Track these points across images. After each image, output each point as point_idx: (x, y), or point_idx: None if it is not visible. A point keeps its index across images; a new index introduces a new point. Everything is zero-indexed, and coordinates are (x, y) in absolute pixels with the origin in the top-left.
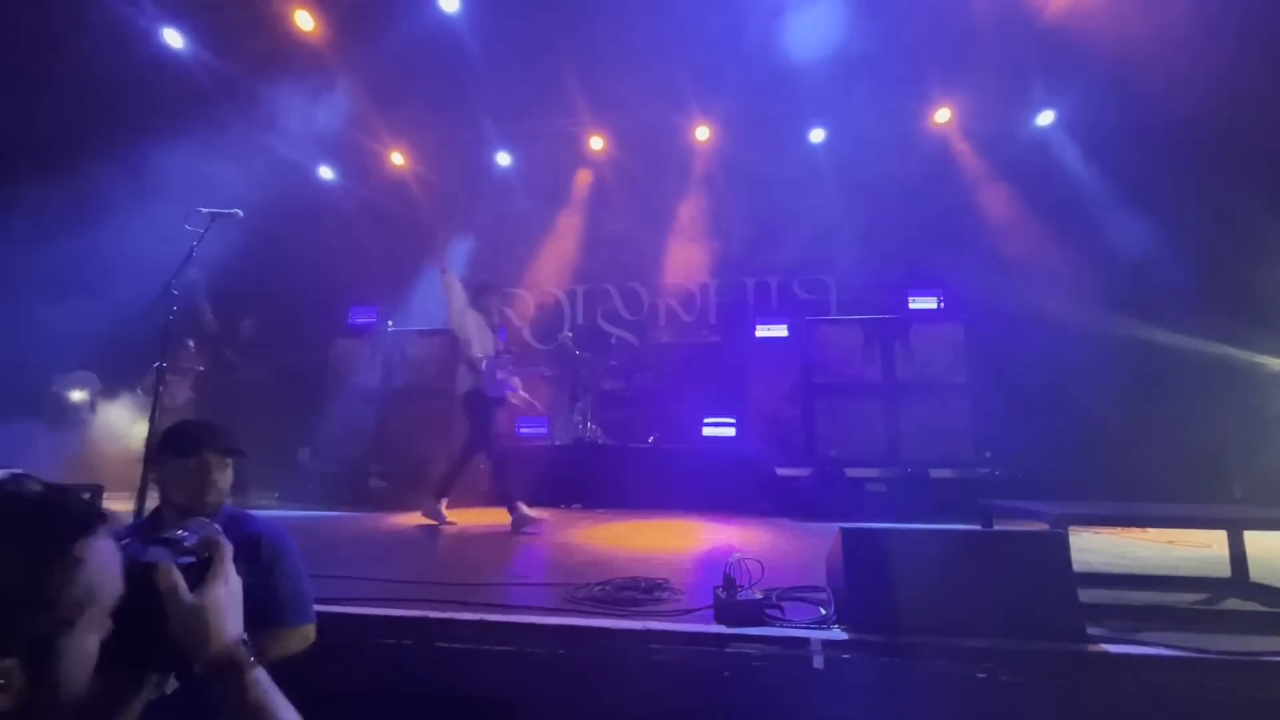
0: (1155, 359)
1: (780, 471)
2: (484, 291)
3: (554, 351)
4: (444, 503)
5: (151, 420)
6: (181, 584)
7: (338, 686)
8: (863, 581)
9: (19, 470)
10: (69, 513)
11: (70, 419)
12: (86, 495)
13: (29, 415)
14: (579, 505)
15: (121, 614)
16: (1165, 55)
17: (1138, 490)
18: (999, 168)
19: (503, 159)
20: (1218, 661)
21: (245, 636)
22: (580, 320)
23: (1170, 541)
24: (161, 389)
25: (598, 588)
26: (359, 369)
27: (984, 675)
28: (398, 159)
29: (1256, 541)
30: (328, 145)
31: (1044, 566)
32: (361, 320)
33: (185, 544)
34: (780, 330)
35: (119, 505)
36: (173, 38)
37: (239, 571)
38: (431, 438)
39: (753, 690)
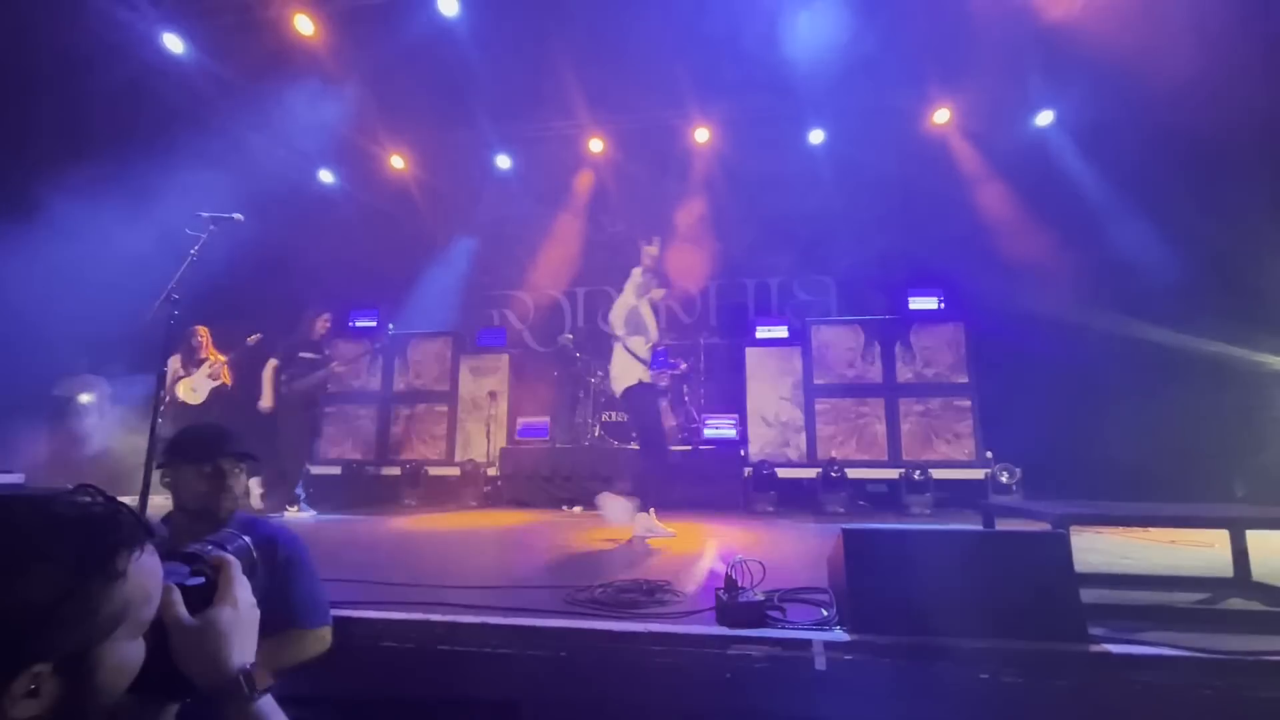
0: (1156, 359)
1: (782, 473)
2: (656, 281)
3: (554, 354)
4: (652, 512)
5: (154, 424)
6: (179, 605)
7: (341, 690)
8: (865, 582)
9: (86, 484)
10: (115, 525)
11: (75, 422)
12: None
13: (34, 418)
14: (580, 507)
15: None
16: (1164, 54)
17: (1139, 490)
18: (999, 168)
19: (503, 162)
20: (1220, 661)
21: (249, 665)
22: (580, 322)
23: (1172, 541)
24: (163, 393)
25: (599, 590)
26: (360, 372)
27: (986, 676)
28: (398, 162)
29: (1259, 541)
30: (328, 149)
31: (1046, 567)
32: (362, 323)
33: (204, 560)
34: (781, 331)
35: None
36: (173, 43)
37: (258, 576)
38: (432, 441)
39: (755, 692)
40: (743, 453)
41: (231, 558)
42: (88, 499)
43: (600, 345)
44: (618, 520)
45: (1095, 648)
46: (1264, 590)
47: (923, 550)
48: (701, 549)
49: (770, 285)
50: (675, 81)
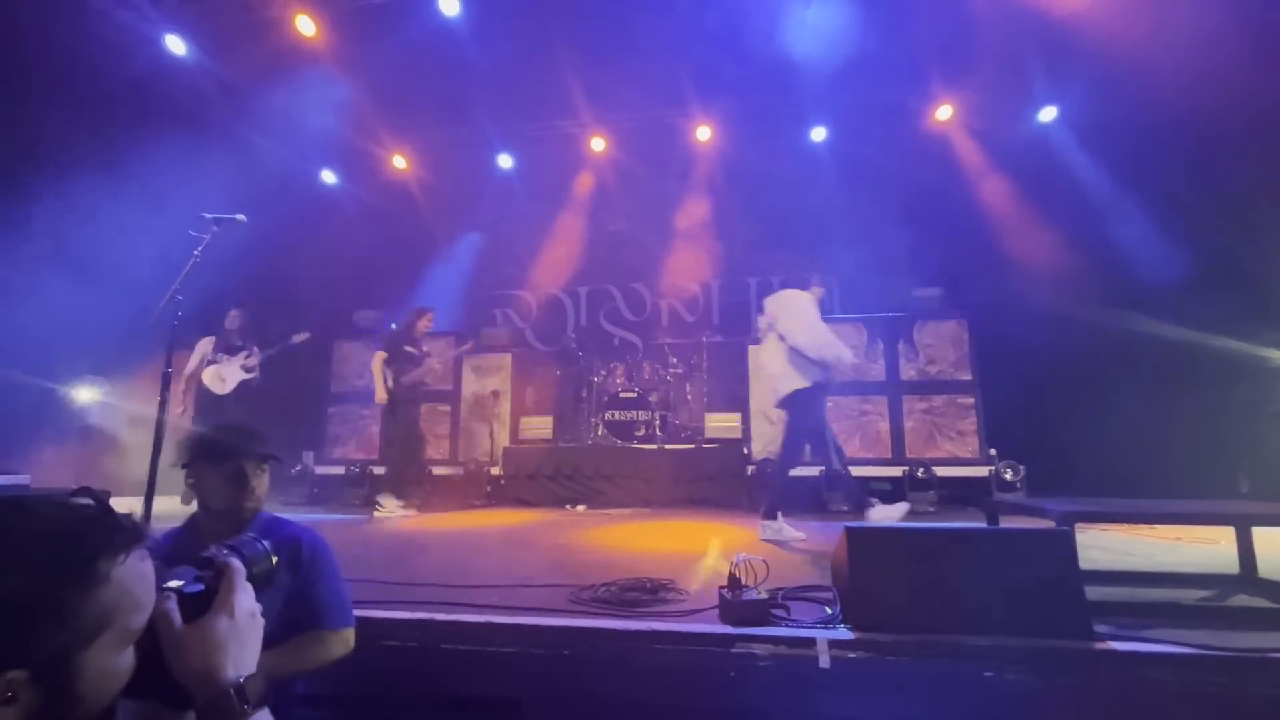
0: (1161, 355)
1: None
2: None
3: (557, 353)
4: (780, 516)
5: (159, 424)
6: (172, 612)
7: (344, 689)
8: (868, 580)
9: (85, 486)
10: (100, 529)
11: (79, 423)
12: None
13: (38, 419)
14: (583, 506)
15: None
16: (1168, 49)
17: (1144, 487)
18: (1001, 164)
19: (504, 161)
20: (1226, 658)
21: (245, 677)
22: (583, 321)
23: (1178, 538)
24: (167, 395)
25: (603, 588)
26: (363, 372)
27: (991, 674)
28: (400, 162)
29: (1265, 537)
30: (330, 149)
31: (1050, 564)
32: (365, 323)
33: (212, 565)
34: None
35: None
36: (175, 44)
37: (282, 577)
38: (435, 440)
39: (759, 690)
40: (745, 451)
41: (236, 564)
42: (79, 502)
43: (602, 344)
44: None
45: (1100, 645)
46: (1270, 587)
47: (926, 548)
48: (705, 548)
49: (773, 283)
50: (677, 79)
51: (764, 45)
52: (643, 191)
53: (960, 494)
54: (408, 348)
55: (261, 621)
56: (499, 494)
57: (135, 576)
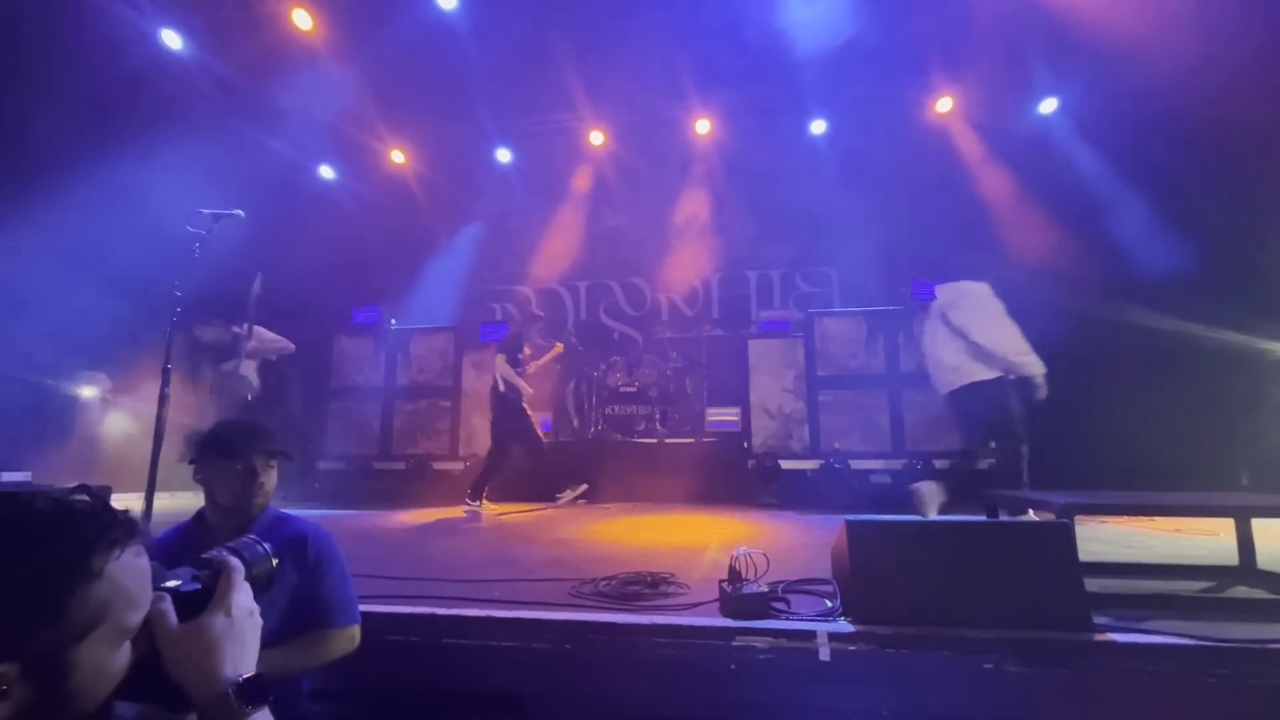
0: (1161, 347)
1: (785, 464)
2: None
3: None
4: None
5: (160, 420)
6: (168, 611)
7: (346, 683)
8: (868, 573)
9: (83, 484)
10: (94, 525)
11: (79, 419)
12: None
13: (39, 416)
14: (583, 501)
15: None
16: (1169, 39)
17: (1144, 479)
18: (1002, 156)
19: (503, 155)
20: (1224, 649)
21: (243, 678)
22: (583, 316)
23: (1177, 530)
24: (167, 390)
25: (603, 582)
26: (362, 367)
27: (990, 666)
28: (398, 157)
29: (1264, 529)
30: (328, 144)
31: (1050, 556)
32: (364, 319)
33: (208, 566)
34: (783, 324)
35: (128, 506)
36: (171, 39)
37: (287, 574)
38: (434, 435)
39: (759, 683)
40: (746, 445)
41: (235, 563)
42: (74, 498)
43: (602, 338)
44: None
45: (1100, 637)
46: (1269, 578)
47: (926, 541)
48: (705, 541)
49: (772, 277)
50: (676, 73)
51: (763, 38)
52: (642, 186)
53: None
54: (520, 354)
55: (259, 621)
56: (499, 490)
57: (130, 573)
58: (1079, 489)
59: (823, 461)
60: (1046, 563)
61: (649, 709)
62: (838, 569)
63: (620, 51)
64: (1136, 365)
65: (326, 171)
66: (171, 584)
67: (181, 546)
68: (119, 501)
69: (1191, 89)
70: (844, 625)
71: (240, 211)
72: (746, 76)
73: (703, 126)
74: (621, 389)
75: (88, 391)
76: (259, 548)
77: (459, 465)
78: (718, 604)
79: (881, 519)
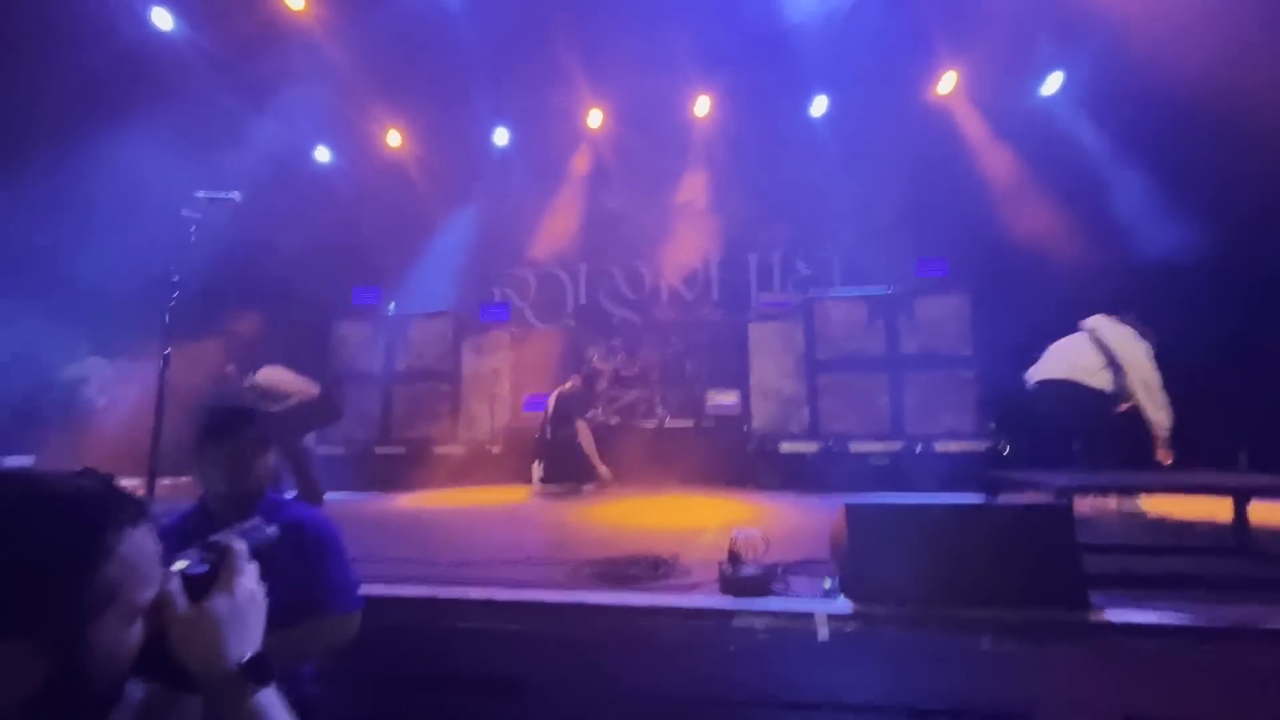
0: (1161, 328)
1: (785, 447)
2: None
3: (557, 331)
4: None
5: (160, 406)
6: (176, 594)
7: (348, 666)
8: (867, 554)
9: (89, 467)
10: (105, 504)
11: (80, 405)
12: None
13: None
14: (585, 484)
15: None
16: (1177, 16)
17: (1143, 459)
18: (1005, 136)
19: (501, 137)
20: (1220, 628)
21: (248, 658)
22: (583, 300)
23: (1175, 510)
24: (167, 375)
25: (604, 564)
26: (361, 351)
27: (988, 644)
28: (394, 138)
29: (1262, 510)
30: (323, 125)
31: (1048, 537)
32: (364, 301)
33: (216, 548)
34: (783, 307)
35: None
36: (161, 18)
37: (283, 560)
38: (434, 419)
39: (758, 662)
40: (746, 428)
41: (238, 546)
42: (86, 479)
43: (602, 322)
44: None
45: (1096, 616)
46: (1265, 559)
47: (925, 522)
48: (705, 523)
49: (772, 259)
50: (675, 52)
51: (763, 16)
52: (642, 167)
53: (960, 469)
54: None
55: (264, 602)
56: (500, 473)
57: (140, 551)
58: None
59: (822, 444)
60: (1044, 543)
61: (649, 688)
62: (836, 550)
63: (619, 30)
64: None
65: (322, 154)
66: (179, 565)
67: (184, 532)
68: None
69: (1197, 66)
70: (842, 605)
71: (236, 194)
72: (746, 56)
73: (702, 107)
74: (621, 372)
75: (88, 376)
76: (264, 531)
77: (459, 449)
78: (717, 585)
79: (880, 501)
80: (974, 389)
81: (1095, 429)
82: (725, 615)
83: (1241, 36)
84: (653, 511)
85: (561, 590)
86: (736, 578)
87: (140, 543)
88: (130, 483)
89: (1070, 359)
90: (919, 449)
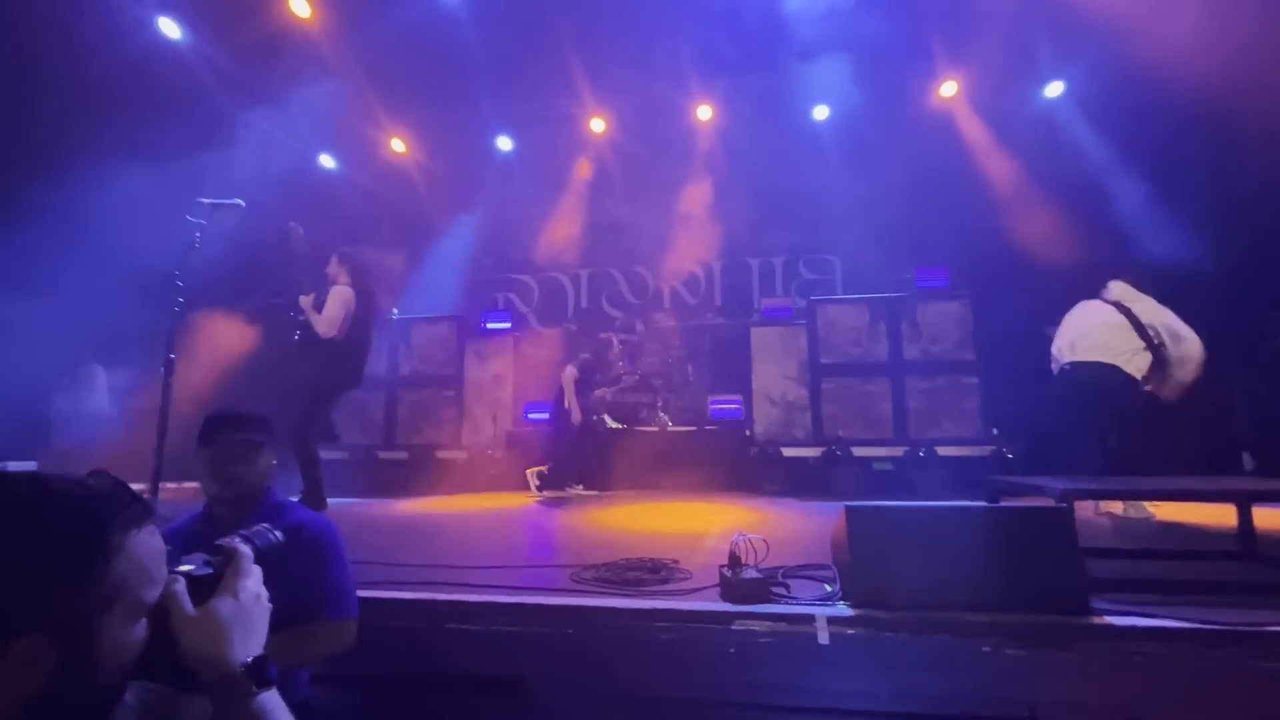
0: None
1: (787, 452)
2: None
3: (559, 336)
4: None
5: (163, 411)
6: (181, 596)
7: (350, 667)
8: (868, 558)
9: (99, 469)
10: (113, 502)
11: (83, 409)
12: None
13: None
14: (585, 488)
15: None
16: (1179, 21)
17: (1147, 465)
18: (1006, 143)
19: (504, 143)
20: (1223, 632)
21: (251, 660)
22: (585, 304)
23: (1179, 515)
24: (171, 380)
25: (605, 568)
26: None
27: (989, 649)
28: (398, 145)
29: (1266, 516)
30: (328, 133)
31: (1049, 541)
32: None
33: (223, 551)
34: (786, 311)
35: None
36: (169, 27)
37: (283, 562)
38: (438, 424)
39: (759, 666)
40: (748, 433)
41: (244, 549)
42: (94, 479)
43: (604, 327)
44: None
45: (1097, 620)
46: (1269, 563)
47: (925, 526)
48: (706, 528)
49: (775, 264)
50: (677, 59)
51: (765, 22)
52: (644, 173)
53: (962, 474)
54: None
55: (268, 606)
56: (503, 477)
57: (147, 550)
58: (1082, 475)
59: (825, 449)
60: (1046, 547)
61: (650, 691)
62: (837, 554)
63: (622, 38)
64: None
65: (327, 160)
66: (185, 568)
67: (191, 535)
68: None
69: (1200, 72)
70: (843, 609)
71: (240, 201)
72: (748, 62)
73: (704, 113)
74: (624, 377)
75: (92, 381)
76: (270, 535)
77: (462, 454)
78: (718, 589)
79: (880, 504)
80: (976, 394)
81: (1130, 420)
82: (726, 619)
83: (1243, 42)
84: (654, 516)
85: (562, 594)
86: (737, 581)
87: (147, 542)
88: (133, 488)
89: (1103, 338)
90: (922, 454)
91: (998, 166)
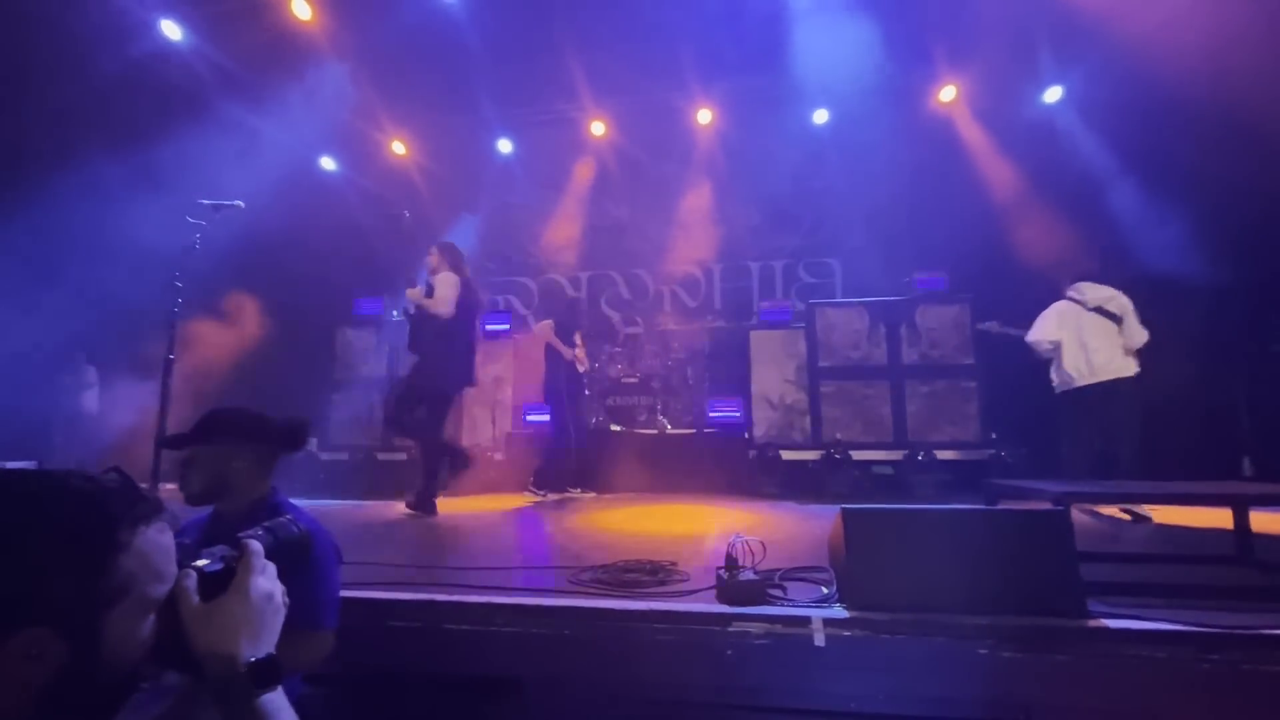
0: (1164, 337)
1: (786, 455)
2: None
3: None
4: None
5: (162, 411)
6: (190, 590)
7: (348, 668)
8: (864, 560)
9: (114, 466)
10: (124, 499)
11: (83, 409)
12: None
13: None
14: (584, 491)
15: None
16: (1176, 26)
17: (1147, 469)
18: (1006, 147)
19: (504, 146)
20: (1219, 635)
21: (256, 658)
22: (584, 306)
23: (1176, 519)
24: (170, 380)
25: (602, 570)
26: (365, 358)
27: (985, 651)
28: (399, 148)
29: (1265, 520)
30: (329, 135)
31: (1046, 544)
32: (367, 310)
33: (234, 547)
34: (785, 314)
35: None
36: (170, 29)
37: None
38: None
39: (755, 668)
40: (747, 435)
41: (255, 546)
42: (105, 476)
43: (603, 329)
44: None
45: (1094, 623)
46: (1266, 568)
47: (922, 528)
48: (705, 530)
49: (774, 268)
50: (677, 62)
51: (765, 26)
52: (644, 176)
53: (961, 478)
54: (573, 335)
55: (280, 604)
56: (502, 480)
57: (155, 547)
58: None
59: (824, 452)
60: (1043, 550)
61: (646, 693)
62: (834, 556)
63: (622, 40)
64: (1139, 355)
65: (328, 163)
66: (201, 563)
67: (205, 531)
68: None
69: (1199, 77)
70: (839, 611)
71: (240, 202)
72: (748, 65)
73: (704, 116)
74: (623, 380)
75: (91, 382)
76: (293, 528)
77: None
78: (715, 591)
79: (877, 507)
80: (975, 398)
81: (1135, 425)
82: (722, 621)
83: (1245, 47)
84: (652, 518)
85: (560, 595)
86: (734, 583)
87: (155, 539)
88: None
89: (1111, 352)
90: (921, 457)
91: (997, 171)
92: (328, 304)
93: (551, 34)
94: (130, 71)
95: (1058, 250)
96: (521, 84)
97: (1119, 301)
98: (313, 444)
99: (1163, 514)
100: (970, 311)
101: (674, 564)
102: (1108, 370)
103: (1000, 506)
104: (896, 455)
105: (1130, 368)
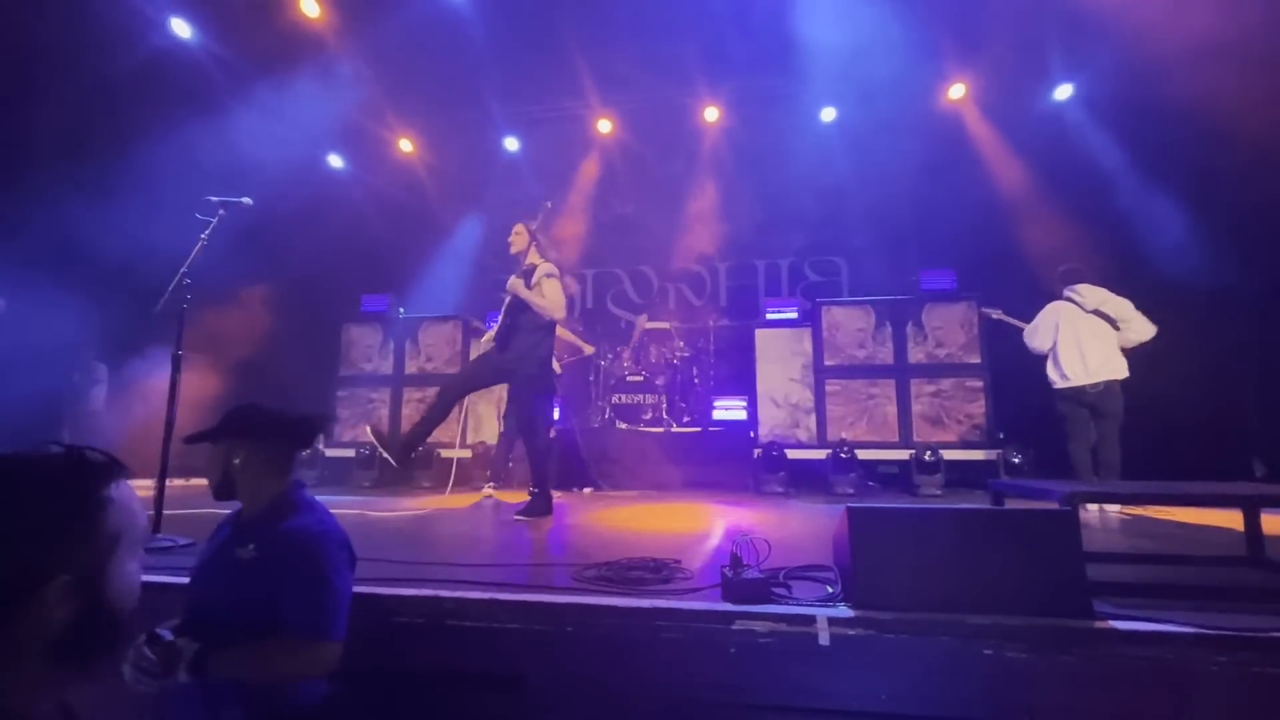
0: (1172, 337)
1: (791, 454)
2: None
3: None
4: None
5: (171, 408)
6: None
7: (351, 664)
8: (869, 559)
9: (56, 441)
10: (95, 464)
11: (90, 407)
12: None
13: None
14: (591, 488)
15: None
16: (1189, 24)
17: (1155, 469)
18: (1013, 145)
19: (511, 144)
20: (1226, 637)
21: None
22: (590, 304)
23: (1186, 519)
24: (178, 377)
25: (606, 567)
26: (371, 355)
27: (990, 652)
28: (406, 145)
29: (1277, 522)
30: (337, 132)
31: (1053, 544)
32: (372, 307)
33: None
34: (791, 312)
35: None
36: (180, 27)
37: (265, 568)
38: (443, 423)
39: (759, 666)
40: (752, 434)
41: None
42: (70, 449)
43: (610, 327)
44: None
45: (1100, 624)
46: (1276, 569)
47: (928, 528)
48: (709, 529)
49: (780, 266)
50: (685, 59)
51: (773, 23)
52: (650, 174)
53: (967, 477)
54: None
55: None
56: (506, 477)
57: (129, 497)
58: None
59: (829, 451)
60: (1049, 550)
61: (650, 690)
62: (839, 555)
63: (629, 37)
64: (1147, 355)
65: (335, 160)
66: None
67: (232, 529)
68: (133, 487)
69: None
70: (844, 610)
71: (248, 200)
72: (755, 63)
73: (711, 114)
74: (628, 377)
75: (100, 378)
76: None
77: (466, 453)
78: (719, 589)
79: (882, 506)
80: (982, 397)
81: (1118, 427)
82: (726, 619)
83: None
84: (657, 516)
85: (564, 592)
86: (738, 581)
87: (127, 491)
88: (140, 484)
89: (1106, 354)
90: (927, 457)
91: (1005, 169)
92: (334, 301)
93: (558, 31)
94: (141, 69)
95: (1066, 249)
96: (528, 81)
97: (1115, 303)
98: (318, 440)
99: (1172, 515)
100: (977, 310)
101: (678, 562)
102: (1103, 371)
103: (1007, 506)
104: (902, 455)
105: (1123, 370)
